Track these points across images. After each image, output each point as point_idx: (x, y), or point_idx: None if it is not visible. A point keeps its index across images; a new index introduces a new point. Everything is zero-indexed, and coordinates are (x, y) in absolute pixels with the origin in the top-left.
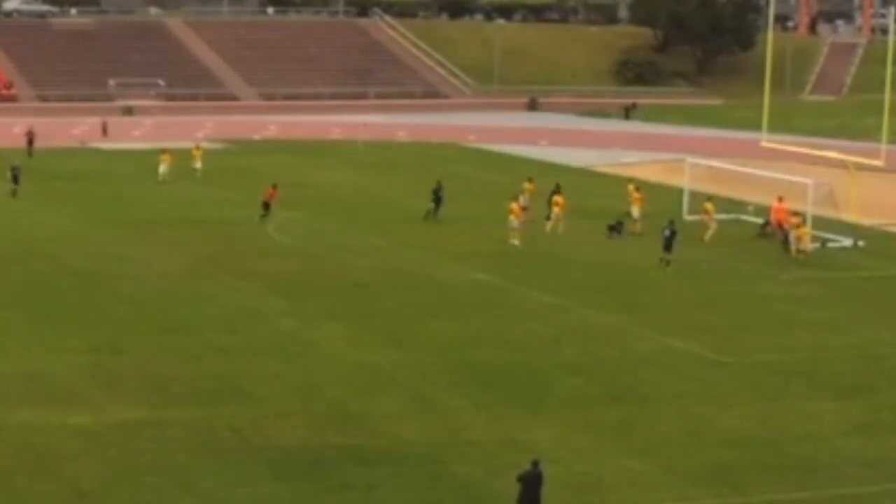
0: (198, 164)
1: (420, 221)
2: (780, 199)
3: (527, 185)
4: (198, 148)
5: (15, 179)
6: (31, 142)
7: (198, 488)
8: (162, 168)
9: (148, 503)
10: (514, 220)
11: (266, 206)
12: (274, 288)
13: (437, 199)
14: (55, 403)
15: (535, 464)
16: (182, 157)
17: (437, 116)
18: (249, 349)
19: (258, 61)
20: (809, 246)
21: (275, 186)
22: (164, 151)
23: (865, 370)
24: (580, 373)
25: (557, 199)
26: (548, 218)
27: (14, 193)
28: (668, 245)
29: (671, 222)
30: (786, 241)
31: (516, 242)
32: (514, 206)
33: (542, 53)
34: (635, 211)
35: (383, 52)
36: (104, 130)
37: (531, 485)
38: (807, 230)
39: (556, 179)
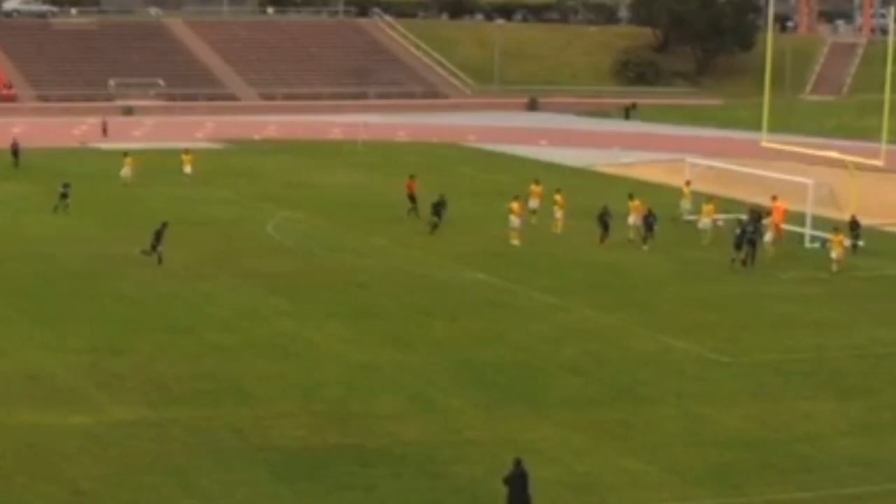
0: (188, 169)
1: (420, 221)
2: (775, 198)
3: (533, 188)
4: (187, 152)
5: (64, 196)
6: (15, 153)
7: (198, 488)
8: (124, 171)
9: (148, 503)
10: (514, 220)
11: (412, 198)
12: (274, 288)
13: (437, 212)
14: (55, 403)
15: (518, 463)
16: (144, 159)
17: (437, 116)
18: (249, 349)
19: (258, 61)
20: (841, 255)
21: (412, 177)
22: (125, 154)
23: (865, 370)
24: (580, 373)
25: (557, 198)
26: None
27: (63, 209)
28: (739, 244)
29: (741, 222)
30: (750, 243)
31: (516, 242)
32: (514, 205)
33: (542, 53)
34: (632, 218)
35: (383, 52)
36: (104, 130)
37: (518, 484)
38: (839, 238)
39: (556, 179)
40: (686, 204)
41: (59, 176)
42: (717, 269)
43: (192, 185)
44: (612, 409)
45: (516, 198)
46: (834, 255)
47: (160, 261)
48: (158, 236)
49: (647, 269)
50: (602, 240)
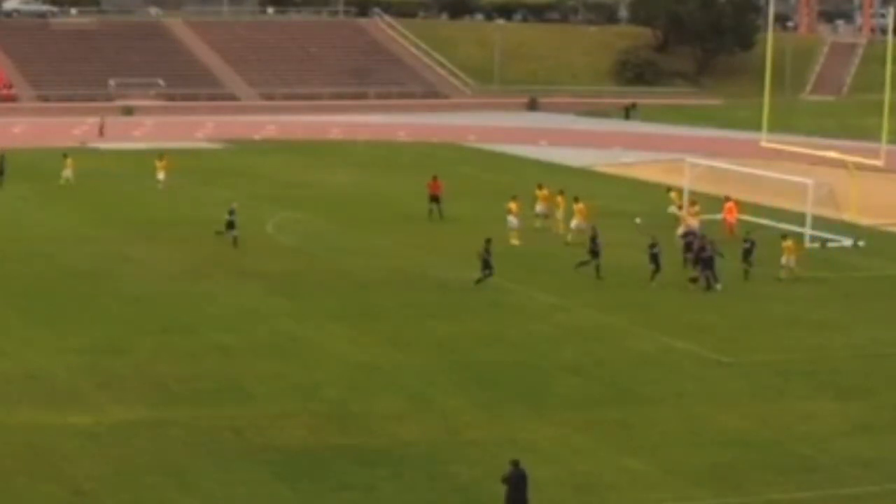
0: (161, 175)
1: (420, 221)
2: (728, 199)
3: (539, 192)
4: (161, 157)
5: (231, 225)
6: (1, 171)
7: (198, 488)
8: (66, 172)
9: (148, 503)
10: (512, 220)
11: (435, 199)
12: (274, 288)
13: (595, 251)
14: (55, 403)
15: (516, 464)
16: (83, 160)
17: (437, 116)
18: (249, 349)
19: (258, 61)
20: (793, 261)
21: (436, 178)
22: (65, 156)
23: (865, 370)
24: (580, 373)
25: (558, 199)
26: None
27: (232, 241)
28: (746, 256)
29: (748, 233)
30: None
31: (516, 242)
32: (512, 206)
33: (542, 53)
34: (574, 222)
35: (383, 52)
36: (100, 131)
37: (517, 484)
38: (788, 244)
39: (557, 179)
40: (674, 209)
41: (59, 176)
42: (716, 269)
43: (163, 193)
44: (612, 409)
45: (514, 198)
46: (783, 260)
47: (478, 281)
48: (488, 250)
49: (646, 269)
50: (652, 277)
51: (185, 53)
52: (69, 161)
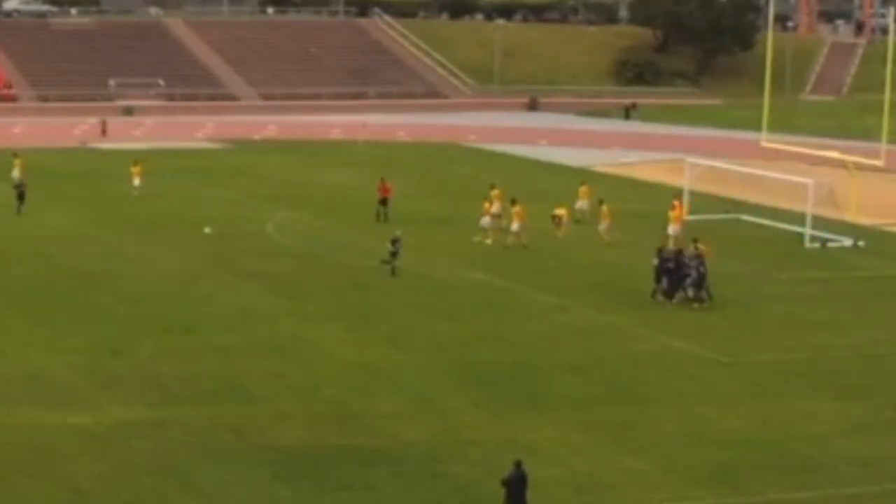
0: (136, 182)
1: (420, 222)
2: (677, 197)
3: (492, 192)
4: (136, 163)
5: (394, 255)
6: (21, 195)
7: (198, 488)
8: (15, 173)
9: (148, 503)
10: (486, 220)
11: (384, 201)
12: (274, 288)
13: (687, 274)
14: (55, 403)
15: (518, 464)
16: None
17: (437, 116)
18: (249, 349)
19: (258, 61)
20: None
21: (383, 179)
22: (15, 155)
23: (865, 370)
24: (580, 373)
25: (563, 210)
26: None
27: (390, 271)
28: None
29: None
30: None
31: (489, 241)
32: (487, 205)
33: (542, 53)
34: (514, 224)
35: (383, 52)
36: (103, 130)
37: (516, 486)
38: (704, 248)
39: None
40: (584, 205)
41: (59, 176)
42: (717, 269)
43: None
44: (612, 409)
45: (486, 197)
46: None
47: (653, 294)
48: (703, 276)
49: (646, 269)
50: (656, 292)
51: (185, 53)
52: (18, 161)
